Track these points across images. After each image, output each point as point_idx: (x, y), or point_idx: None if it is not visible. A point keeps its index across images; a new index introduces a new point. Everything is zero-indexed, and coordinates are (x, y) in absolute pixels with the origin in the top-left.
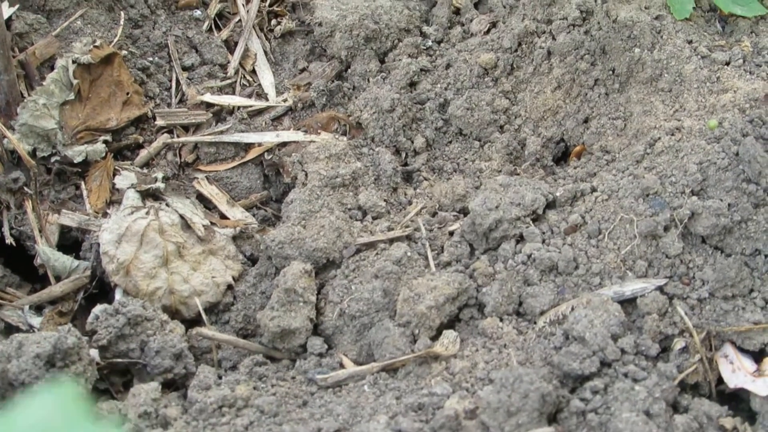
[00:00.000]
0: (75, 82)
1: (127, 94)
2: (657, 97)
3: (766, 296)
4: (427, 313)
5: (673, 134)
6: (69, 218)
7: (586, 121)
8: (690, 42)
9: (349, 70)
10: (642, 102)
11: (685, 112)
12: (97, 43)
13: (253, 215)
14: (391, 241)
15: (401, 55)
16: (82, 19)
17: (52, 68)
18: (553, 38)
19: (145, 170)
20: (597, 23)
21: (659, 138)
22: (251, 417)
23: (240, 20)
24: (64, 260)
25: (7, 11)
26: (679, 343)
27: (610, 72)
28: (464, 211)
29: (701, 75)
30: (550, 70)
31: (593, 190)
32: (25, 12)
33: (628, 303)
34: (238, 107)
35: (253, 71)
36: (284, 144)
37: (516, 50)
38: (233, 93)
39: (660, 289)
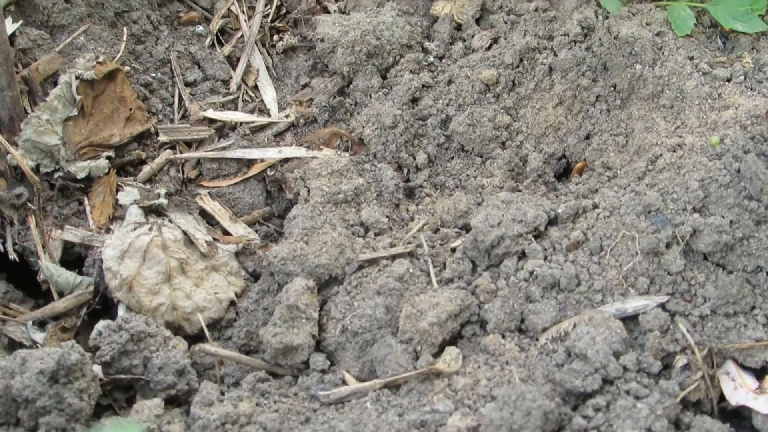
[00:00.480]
0: (78, 98)
1: (130, 110)
2: (658, 114)
3: (767, 313)
4: (430, 330)
5: (674, 151)
6: (72, 234)
7: (587, 137)
8: (691, 58)
9: (351, 86)
10: (643, 118)
11: (686, 129)
12: (100, 59)
13: (256, 231)
14: (394, 257)
15: (403, 71)
16: (85, 34)
17: (55, 84)
18: (555, 54)
19: (148, 186)
20: (598, 39)
21: (661, 155)
22: None
23: (242, 36)
24: (68, 276)
25: (11, 27)
26: (680, 361)
27: (612, 88)
28: (466, 228)
29: (702, 91)
30: (551, 86)
31: (595, 206)
32: (28, 28)
33: (630, 320)
34: (241, 123)
35: (256, 87)
36: (286, 160)
37: (517, 66)
38: (235, 108)
39: (662, 306)
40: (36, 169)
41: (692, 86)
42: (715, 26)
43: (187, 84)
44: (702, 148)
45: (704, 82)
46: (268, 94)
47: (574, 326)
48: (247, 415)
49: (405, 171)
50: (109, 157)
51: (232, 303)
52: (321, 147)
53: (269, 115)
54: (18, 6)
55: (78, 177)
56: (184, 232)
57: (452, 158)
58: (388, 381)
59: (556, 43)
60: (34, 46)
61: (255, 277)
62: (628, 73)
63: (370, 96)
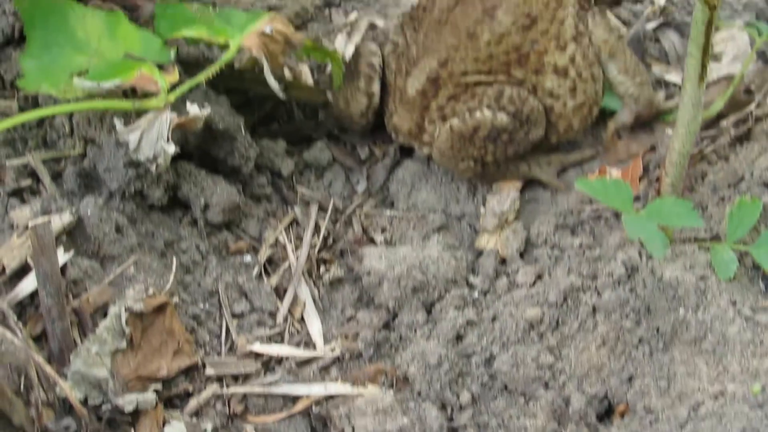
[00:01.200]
0: (127, 330)
1: (178, 343)
2: (701, 359)
3: None
4: None
5: (716, 398)
6: None
7: (630, 379)
8: (734, 303)
9: (396, 320)
10: (686, 363)
11: (728, 375)
12: (150, 292)
13: None
14: None
15: (448, 306)
16: (135, 265)
17: (105, 315)
18: (599, 294)
19: (195, 420)
20: (642, 281)
21: (703, 402)
22: None
23: (289, 266)
24: None
25: (62, 257)
26: None
27: (655, 331)
28: None
29: (745, 337)
30: (595, 326)
31: None
32: (79, 258)
33: None
34: (287, 357)
35: (302, 319)
36: (332, 396)
37: (562, 305)
38: (282, 341)
39: None
40: (84, 402)
41: (734, 332)
42: (758, 268)
43: (234, 315)
44: (744, 396)
45: (746, 327)
46: (314, 327)
47: None
48: None
49: (449, 410)
50: (156, 391)
51: None
52: (366, 383)
53: (315, 349)
54: (69, 236)
55: (126, 410)
56: None
57: (496, 397)
58: None
59: (600, 283)
60: (85, 277)
61: None
62: (671, 316)
63: (415, 331)
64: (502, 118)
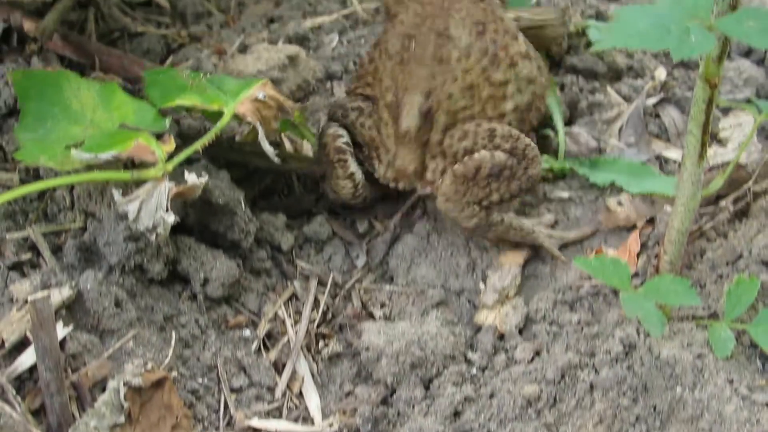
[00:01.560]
0: (126, 405)
1: (177, 417)
2: None
3: None
4: None
5: None
6: None
7: None
8: (731, 382)
9: (394, 396)
10: None
11: None
12: (149, 367)
13: None
14: None
15: (446, 382)
16: (134, 339)
17: (103, 389)
18: (596, 372)
19: None
20: (639, 359)
21: None
22: None
23: (288, 340)
24: None
25: (62, 332)
26: None
27: (652, 409)
28: None
29: (741, 417)
30: (592, 404)
31: None
32: (78, 332)
33: None
34: None
35: (300, 393)
36: None
37: (559, 382)
38: (280, 416)
39: None
40: None
41: (731, 410)
42: (755, 347)
43: (233, 390)
44: None
45: (743, 406)
46: (313, 402)
47: None
48: None
49: None
50: None
51: None
52: None
53: (313, 424)
54: (69, 310)
55: None
56: None
57: None
58: None
59: (598, 361)
60: (84, 351)
61: None
62: (668, 395)
63: (413, 407)
64: (500, 155)
